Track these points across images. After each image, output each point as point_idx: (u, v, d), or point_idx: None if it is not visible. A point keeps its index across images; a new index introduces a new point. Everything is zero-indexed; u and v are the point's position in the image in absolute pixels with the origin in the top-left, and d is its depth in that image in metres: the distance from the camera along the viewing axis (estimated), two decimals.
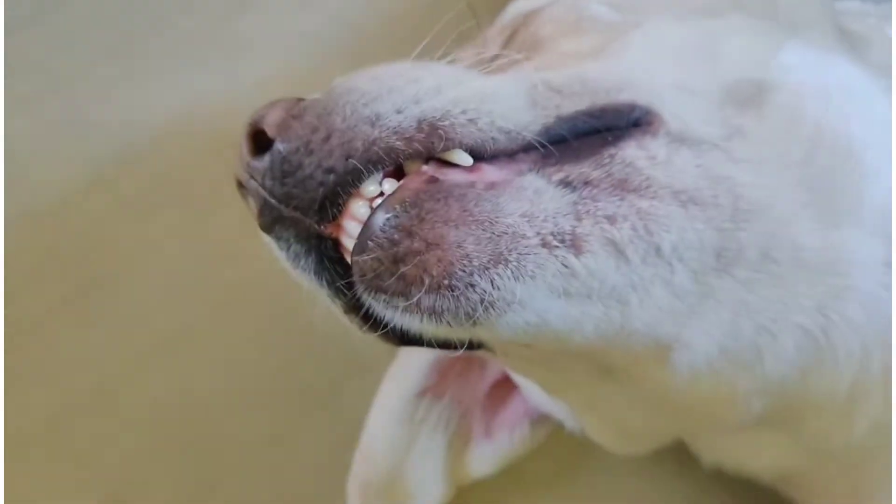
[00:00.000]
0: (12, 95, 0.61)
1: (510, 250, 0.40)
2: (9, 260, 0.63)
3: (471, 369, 0.75)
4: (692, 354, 0.46)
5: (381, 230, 0.40)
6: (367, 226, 0.41)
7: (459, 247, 0.39)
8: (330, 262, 0.45)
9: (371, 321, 0.44)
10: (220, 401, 0.69)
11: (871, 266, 0.47)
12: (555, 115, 0.45)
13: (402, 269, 0.40)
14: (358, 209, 0.43)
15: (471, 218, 0.40)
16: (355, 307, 0.44)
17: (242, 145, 0.46)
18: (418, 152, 0.42)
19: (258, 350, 0.71)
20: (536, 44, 0.54)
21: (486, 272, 0.39)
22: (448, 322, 0.40)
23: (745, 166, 0.46)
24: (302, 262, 0.46)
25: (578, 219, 0.41)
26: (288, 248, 0.46)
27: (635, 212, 0.42)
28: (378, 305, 0.42)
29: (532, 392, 0.72)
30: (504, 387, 0.76)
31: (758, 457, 0.59)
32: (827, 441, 0.53)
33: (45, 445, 0.65)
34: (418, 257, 0.40)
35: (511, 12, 0.63)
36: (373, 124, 0.42)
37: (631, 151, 0.44)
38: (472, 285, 0.39)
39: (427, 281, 0.39)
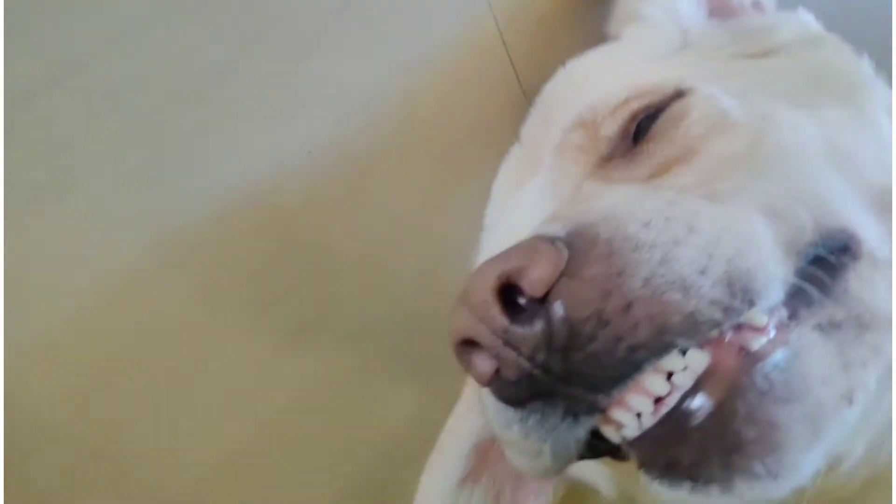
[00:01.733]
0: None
1: (822, 421, 0.38)
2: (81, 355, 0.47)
3: None
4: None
5: (705, 415, 0.36)
6: (682, 411, 0.37)
7: (789, 429, 0.37)
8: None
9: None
10: None
11: None
12: (794, 251, 0.43)
13: (734, 458, 0.36)
14: (655, 384, 0.37)
15: (793, 397, 0.37)
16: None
17: (488, 302, 0.37)
18: (733, 322, 0.37)
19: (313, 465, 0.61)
20: (689, 144, 0.50)
21: (807, 451, 0.37)
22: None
23: None
24: (551, 435, 0.40)
25: (847, 371, 0.41)
26: (538, 422, 0.39)
27: (871, 350, 0.42)
28: (671, 487, 0.38)
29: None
30: None
31: None
32: None
33: None
34: (752, 445, 0.36)
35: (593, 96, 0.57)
36: (684, 291, 0.36)
37: (855, 284, 0.44)
38: (796, 466, 0.37)
39: (758, 469, 0.36)
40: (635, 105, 0.54)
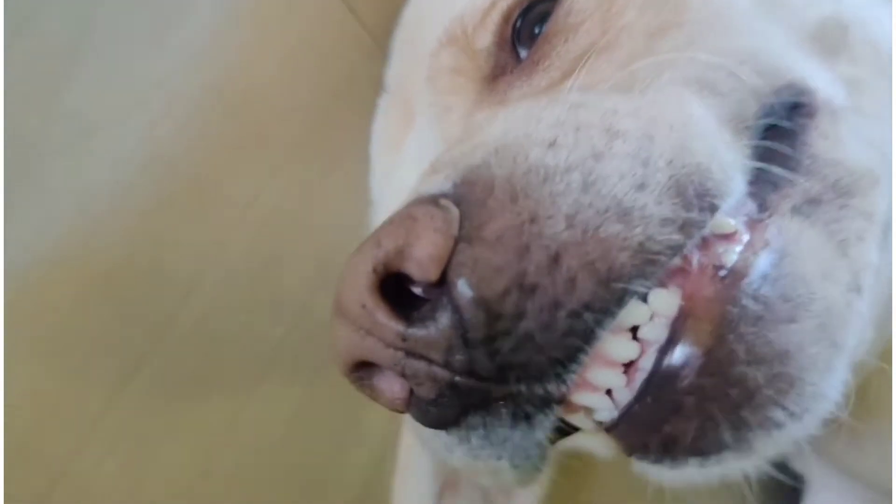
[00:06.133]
0: None
1: (837, 327, 0.29)
2: None
3: None
4: None
5: (695, 370, 0.27)
6: (664, 373, 0.27)
7: (803, 352, 0.28)
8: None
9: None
10: None
11: None
12: (743, 127, 0.33)
13: (745, 414, 0.27)
14: (620, 348, 0.28)
15: (796, 310, 0.28)
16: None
17: (369, 305, 0.27)
18: (696, 238, 0.28)
19: None
20: (591, 32, 0.40)
21: (830, 370, 0.29)
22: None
23: (872, 119, 0.39)
24: (505, 449, 0.30)
25: (845, 254, 0.32)
26: (483, 438, 0.29)
27: (864, 217, 0.34)
28: (673, 468, 0.29)
29: None
30: None
31: None
32: None
33: None
34: (764, 390, 0.27)
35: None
36: (624, 218, 0.26)
37: (821, 144, 0.35)
38: (822, 394, 0.28)
39: (778, 416, 0.27)
40: (504, 4, 0.44)
